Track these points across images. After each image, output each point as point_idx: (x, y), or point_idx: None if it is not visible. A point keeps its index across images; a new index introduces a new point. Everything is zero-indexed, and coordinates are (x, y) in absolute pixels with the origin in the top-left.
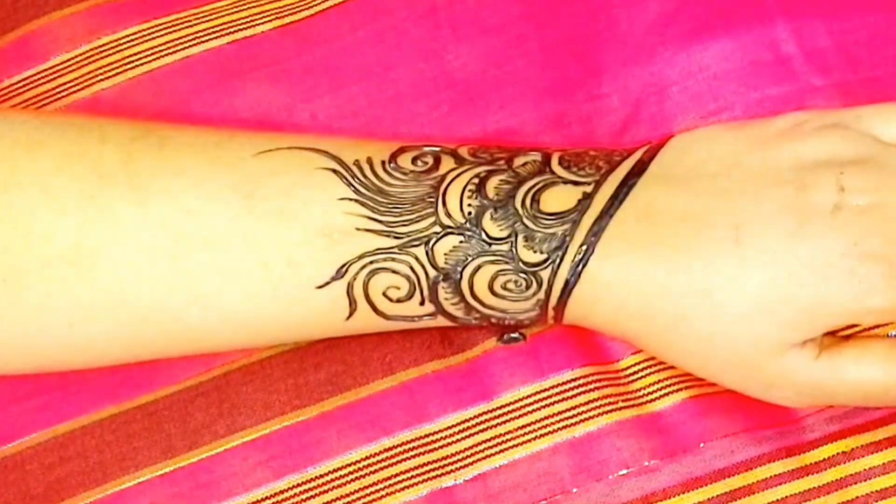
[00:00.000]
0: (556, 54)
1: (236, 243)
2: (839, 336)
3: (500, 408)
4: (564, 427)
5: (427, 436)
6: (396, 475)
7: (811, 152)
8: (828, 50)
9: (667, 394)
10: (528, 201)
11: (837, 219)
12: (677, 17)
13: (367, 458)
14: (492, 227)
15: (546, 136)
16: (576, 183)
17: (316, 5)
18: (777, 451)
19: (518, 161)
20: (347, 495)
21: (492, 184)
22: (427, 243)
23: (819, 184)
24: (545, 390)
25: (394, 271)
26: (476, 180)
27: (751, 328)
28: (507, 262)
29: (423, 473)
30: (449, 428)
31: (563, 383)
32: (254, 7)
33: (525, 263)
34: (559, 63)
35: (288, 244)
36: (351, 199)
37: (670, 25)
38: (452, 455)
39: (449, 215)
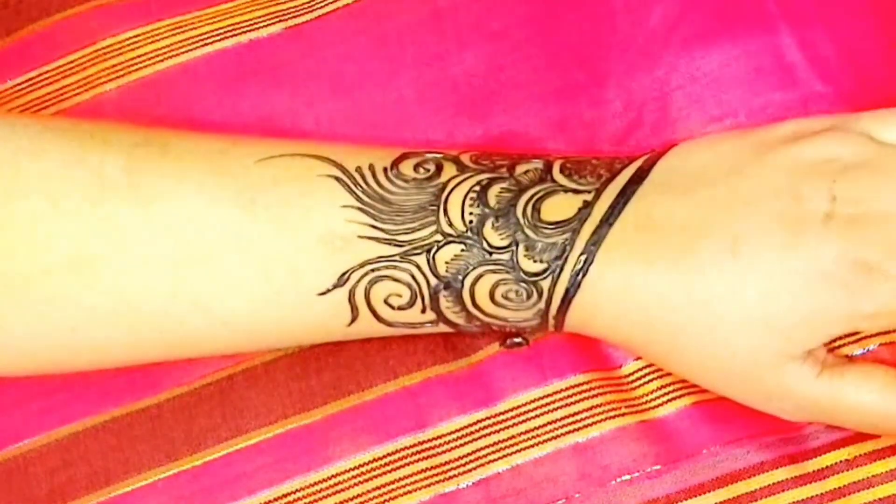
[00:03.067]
0: (560, 60)
1: (238, 250)
2: (843, 356)
3: (502, 413)
4: (567, 433)
5: (430, 440)
6: (399, 479)
7: (808, 155)
8: (831, 57)
9: (670, 400)
10: (528, 210)
11: (829, 228)
12: (681, 23)
13: (370, 462)
14: (493, 235)
15: (549, 141)
16: (576, 191)
17: (319, 8)
18: (780, 458)
19: (520, 168)
20: (350, 499)
21: (493, 192)
22: (428, 252)
23: (812, 193)
24: (548, 396)
25: (395, 279)
26: (478, 188)
27: (749, 339)
28: (507, 272)
29: (426, 478)
30: (452, 433)
31: (566, 389)
32: (257, 10)
33: (526, 273)
34: (562, 68)
35: (289, 251)
36: (353, 207)
37: (674, 31)
38: (455, 460)
39: (450, 224)
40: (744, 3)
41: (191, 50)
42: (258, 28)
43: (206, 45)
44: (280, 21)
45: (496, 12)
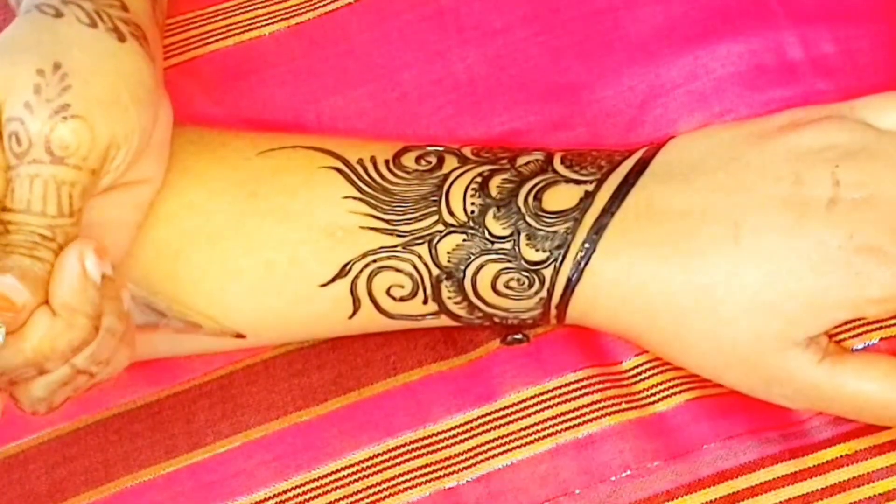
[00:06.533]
0: (562, 57)
1: (240, 241)
2: (845, 347)
3: (502, 409)
4: (567, 428)
5: (430, 436)
6: (399, 475)
7: (807, 142)
8: (832, 56)
9: (670, 395)
10: (530, 200)
11: (833, 213)
12: (683, 21)
13: (370, 458)
14: (494, 225)
15: (551, 138)
16: (578, 182)
17: (321, 7)
18: (780, 453)
19: (521, 160)
20: (351, 495)
21: (494, 182)
22: (430, 242)
23: (815, 178)
24: (548, 392)
25: (397, 270)
26: (479, 179)
27: (752, 324)
28: (509, 261)
29: (427, 474)
30: (452, 429)
31: (566, 385)
32: (260, 8)
33: (527, 262)
34: (564, 65)
35: (291, 242)
36: (354, 198)
37: (676, 28)
38: (455, 456)
39: (452, 214)
40: (746, 1)
41: (193, 49)
42: (260, 27)
43: (209, 43)
44: (282, 20)
45: (498, 10)
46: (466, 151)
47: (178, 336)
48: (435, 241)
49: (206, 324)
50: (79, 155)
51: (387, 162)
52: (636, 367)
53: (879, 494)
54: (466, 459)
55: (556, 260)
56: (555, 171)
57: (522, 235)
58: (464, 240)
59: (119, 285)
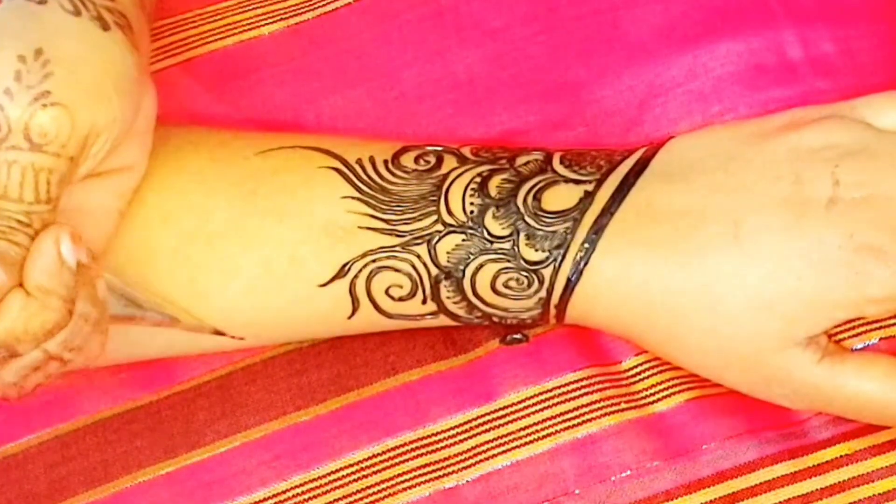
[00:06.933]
0: (561, 56)
1: (239, 240)
2: (845, 346)
3: (502, 409)
4: (566, 428)
5: (429, 436)
6: (399, 476)
7: (808, 141)
8: (832, 55)
9: (669, 395)
10: (529, 200)
11: (833, 212)
12: (683, 20)
13: (369, 458)
14: (494, 225)
15: (550, 138)
16: (577, 181)
17: (321, 7)
18: (780, 452)
19: (520, 160)
20: (350, 495)
21: (494, 182)
22: (429, 242)
23: (814, 178)
24: (547, 391)
25: (396, 270)
26: (478, 179)
27: (751, 323)
28: (508, 261)
29: (426, 474)
30: (451, 429)
31: (566, 385)
32: (259, 8)
33: (527, 262)
34: (564, 65)
35: (290, 242)
36: (353, 198)
37: (675, 28)
38: (455, 456)
39: (451, 213)
40: (746, 1)
41: (192, 48)
42: (259, 26)
43: (208, 43)
44: (281, 20)
45: (498, 10)
46: (465, 151)
47: (176, 337)
48: (434, 241)
49: (184, 318)
50: (58, 142)
51: (386, 162)
52: (636, 366)
53: (879, 494)
54: (466, 459)
55: (555, 260)
56: (554, 171)
57: (522, 235)
58: (463, 240)
59: (95, 273)
